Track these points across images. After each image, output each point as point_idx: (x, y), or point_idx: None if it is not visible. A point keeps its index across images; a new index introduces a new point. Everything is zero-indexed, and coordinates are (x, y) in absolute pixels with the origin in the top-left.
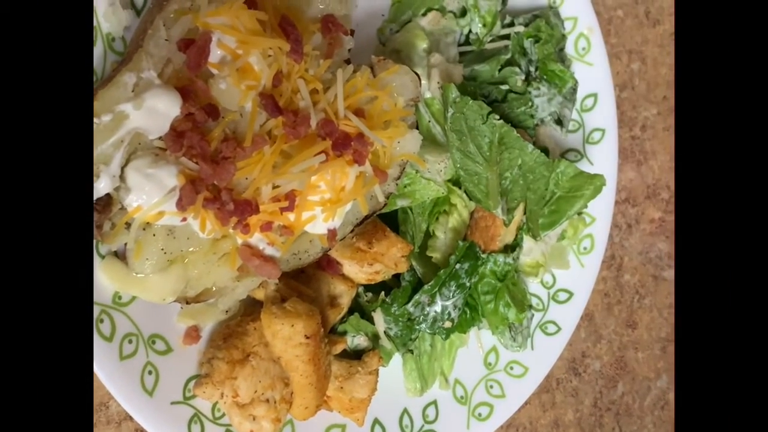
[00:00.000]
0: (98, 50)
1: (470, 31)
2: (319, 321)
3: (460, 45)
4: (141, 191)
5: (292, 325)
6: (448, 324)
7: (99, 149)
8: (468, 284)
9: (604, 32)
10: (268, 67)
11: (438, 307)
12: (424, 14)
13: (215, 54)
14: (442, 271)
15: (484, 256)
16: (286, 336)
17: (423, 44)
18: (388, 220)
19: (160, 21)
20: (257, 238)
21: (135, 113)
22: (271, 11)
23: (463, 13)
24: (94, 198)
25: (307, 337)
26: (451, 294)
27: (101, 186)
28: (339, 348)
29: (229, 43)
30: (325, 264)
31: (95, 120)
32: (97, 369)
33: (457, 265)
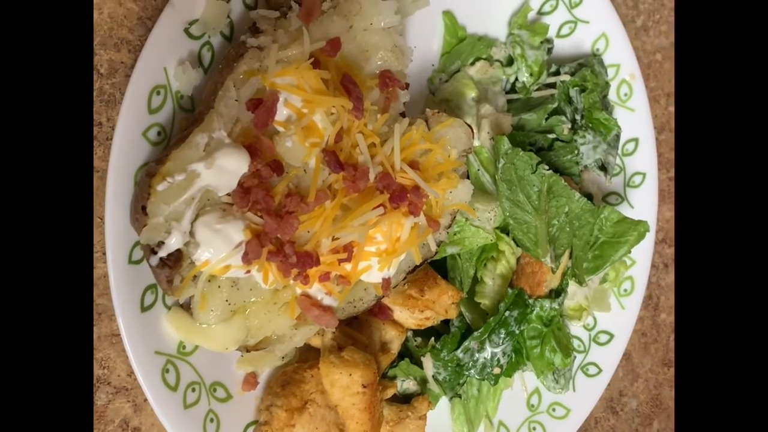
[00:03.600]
0: (168, 108)
1: (516, 80)
2: (375, 370)
3: (506, 93)
4: (209, 246)
5: (350, 375)
6: (497, 370)
7: (172, 207)
8: (517, 331)
9: (643, 76)
10: (331, 125)
11: (487, 354)
12: (472, 63)
13: (281, 113)
14: (491, 318)
15: (530, 301)
16: (344, 385)
17: (472, 93)
18: (436, 267)
19: (231, 82)
20: (315, 288)
21: (206, 172)
22: (333, 69)
23: (510, 62)
24: (165, 254)
25: (364, 386)
26: (501, 341)
27: (172, 242)
28: (389, 393)
29: (295, 103)
30: (377, 310)
31: (169, 179)
32: (163, 418)
33: (507, 313)
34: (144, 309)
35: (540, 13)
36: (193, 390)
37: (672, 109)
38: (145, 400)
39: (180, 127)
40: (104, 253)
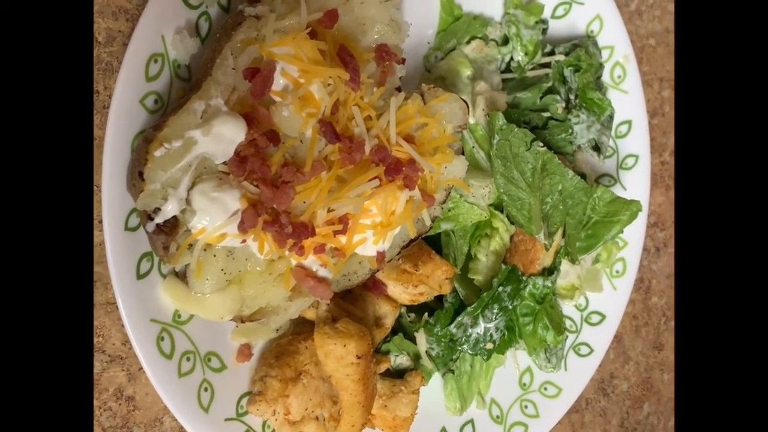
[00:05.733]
0: (165, 76)
1: (511, 59)
2: (369, 341)
3: (501, 72)
4: (205, 213)
5: (344, 345)
6: (489, 345)
7: (168, 173)
8: (510, 307)
9: (637, 60)
10: (328, 96)
11: (480, 329)
12: (468, 42)
13: (278, 82)
14: (485, 293)
15: (524, 278)
16: (339, 355)
17: (467, 71)
18: (430, 243)
19: (228, 50)
20: (310, 260)
21: (203, 139)
22: (330, 41)
23: (505, 41)
24: (162, 221)
25: (358, 357)
26: (494, 316)
27: (169, 208)
28: (383, 367)
29: (292, 72)
30: (371, 285)
31: (166, 146)
32: (157, 386)
33: (500, 288)
34: (140, 276)
35: None
36: (188, 359)
37: (665, 93)
38: (140, 369)
39: (177, 95)
40: (100, 221)
